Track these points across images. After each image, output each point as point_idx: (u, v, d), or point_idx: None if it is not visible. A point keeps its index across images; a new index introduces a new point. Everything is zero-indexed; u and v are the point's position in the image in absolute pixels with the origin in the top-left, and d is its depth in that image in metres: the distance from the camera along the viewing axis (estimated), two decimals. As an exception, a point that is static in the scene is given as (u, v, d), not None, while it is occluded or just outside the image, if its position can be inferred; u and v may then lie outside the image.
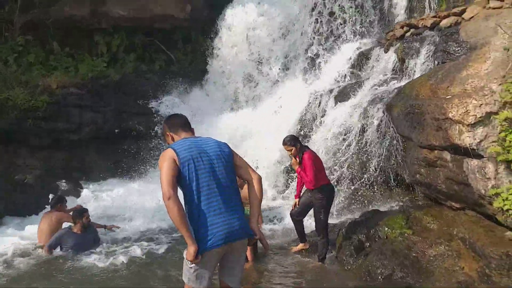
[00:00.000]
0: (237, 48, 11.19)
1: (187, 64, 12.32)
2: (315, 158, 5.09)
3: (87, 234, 5.91)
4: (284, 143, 5.07)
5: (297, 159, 5.03)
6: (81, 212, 5.94)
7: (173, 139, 3.03)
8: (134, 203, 7.92)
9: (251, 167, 3.11)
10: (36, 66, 10.92)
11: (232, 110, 10.89)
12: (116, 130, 10.64)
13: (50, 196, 7.64)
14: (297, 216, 5.42)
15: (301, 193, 5.44)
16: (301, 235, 5.56)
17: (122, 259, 5.46)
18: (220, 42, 11.43)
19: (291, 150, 5.03)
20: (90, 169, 10.35)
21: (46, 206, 7.75)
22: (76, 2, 11.50)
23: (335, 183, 6.35)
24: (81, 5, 11.53)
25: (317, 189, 5.01)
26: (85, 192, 8.78)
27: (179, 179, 2.79)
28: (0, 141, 9.76)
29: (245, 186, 5.35)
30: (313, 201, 5.13)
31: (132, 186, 9.47)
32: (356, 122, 6.27)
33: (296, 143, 5.04)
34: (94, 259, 5.49)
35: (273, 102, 9.52)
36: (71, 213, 6.20)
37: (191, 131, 3.11)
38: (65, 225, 6.21)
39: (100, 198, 8.52)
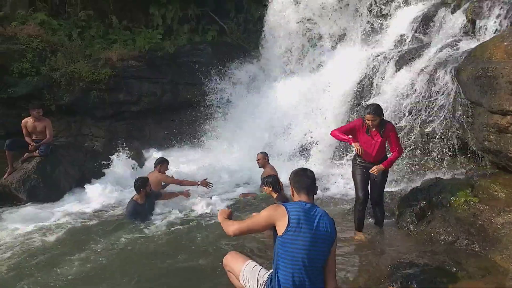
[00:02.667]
0: (288, 14, 10.99)
1: (239, 34, 12.32)
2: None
3: (146, 204, 6.13)
4: (370, 112, 4.59)
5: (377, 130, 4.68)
6: (144, 182, 6.13)
7: (293, 194, 3.22)
8: (192, 171, 8.28)
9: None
10: (97, 39, 11.41)
11: (287, 78, 10.81)
12: (174, 102, 10.97)
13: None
14: (367, 196, 4.93)
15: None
16: (362, 223, 5.03)
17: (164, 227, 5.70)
18: (272, 9, 11.28)
19: (374, 120, 4.60)
20: (150, 139, 10.85)
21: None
22: (131, -25, 11.78)
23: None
24: (137, -22, 11.80)
25: (383, 159, 4.80)
26: (147, 161, 9.22)
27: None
28: (68, 112, 10.48)
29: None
30: (375, 174, 4.77)
31: (190, 154, 9.86)
32: (420, 87, 6.03)
33: (381, 114, 4.64)
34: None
35: (330, 69, 9.31)
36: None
37: (312, 195, 3.19)
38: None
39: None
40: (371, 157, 4.79)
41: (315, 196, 3.25)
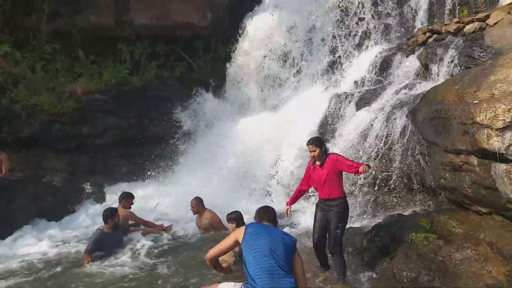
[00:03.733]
0: (255, 55, 11.36)
1: (207, 71, 12.52)
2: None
3: (113, 235, 6.06)
4: (309, 143, 4.77)
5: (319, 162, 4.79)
6: (113, 211, 6.11)
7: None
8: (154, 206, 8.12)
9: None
10: (62, 73, 11.23)
11: (250, 116, 11.00)
12: (139, 136, 10.87)
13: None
14: (321, 240, 4.86)
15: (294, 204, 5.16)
16: (326, 262, 4.99)
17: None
18: (239, 49, 11.62)
19: (315, 151, 4.72)
20: (113, 173, 10.59)
21: (73, 208, 8.08)
22: (100, 11, 11.83)
23: (357, 188, 6.39)
24: (106, 14, 11.86)
25: (340, 199, 4.75)
26: (109, 196, 8.99)
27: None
28: (27, 145, 10.09)
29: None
30: (330, 214, 4.73)
31: (154, 189, 9.67)
32: (378, 127, 6.30)
33: (321, 145, 4.78)
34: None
35: (292, 108, 9.59)
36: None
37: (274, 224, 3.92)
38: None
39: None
40: (323, 194, 4.78)
41: None
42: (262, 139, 9.45)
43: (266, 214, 3.92)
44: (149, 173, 10.37)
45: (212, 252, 3.83)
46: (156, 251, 6.07)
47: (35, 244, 6.58)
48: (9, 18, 11.28)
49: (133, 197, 7.02)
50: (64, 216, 7.83)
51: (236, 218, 5.40)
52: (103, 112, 10.83)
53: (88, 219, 7.79)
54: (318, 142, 4.82)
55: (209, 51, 12.86)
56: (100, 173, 10.47)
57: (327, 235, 4.82)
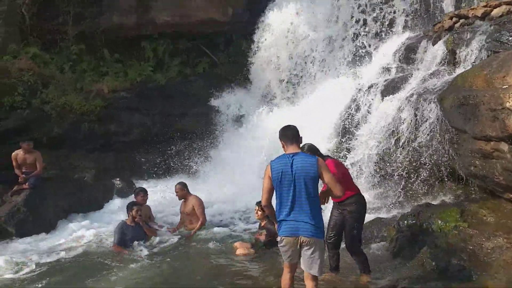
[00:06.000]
0: (278, 47, 11.33)
1: (230, 67, 12.59)
2: (338, 164, 4.78)
3: (133, 228, 6.30)
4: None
5: None
6: (130, 204, 6.47)
7: (283, 146, 3.94)
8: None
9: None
10: (88, 72, 11.57)
11: (274, 109, 10.98)
12: (164, 133, 11.04)
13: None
14: (328, 242, 4.70)
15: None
16: (335, 266, 4.82)
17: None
18: (261, 43, 11.61)
19: None
20: (140, 169, 10.82)
21: (103, 203, 8.36)
22: (123, 12, 12.11)
23: (386, 178, 6.32)
24: (128, 14, 12.13)
25: (352, 197, 4.59)
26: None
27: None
28: (57, 144, 10.43)
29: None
30: (345, 215, 4.65)
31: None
32: (405, 116, 6.20)
33: (314, 153, 4.39)
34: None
35: (316, 99, 9.51)
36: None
37: (297, 144, 3.92)
38: None
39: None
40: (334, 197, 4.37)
41: None
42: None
43: (289, 134, 3.92)
44: (175, 168, 10.56)
45: (263, 199, 3.87)
46: (176, 248, 6.23)
47: (68, 237, 6.86)
48: (36, 22, 11.67)
49: (146, 192, 7.11)
50: (95, 210, 8.09)
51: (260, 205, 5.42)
52: (128, 110, 11.08)
53: (117, 213, 8.00)
54: (311, 150, 4.49)
55: (231, 46, 12.91)
56: (127, 170, 10.69)
57: (344, 235, 4.76)
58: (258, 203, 5.70)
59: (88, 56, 11.93)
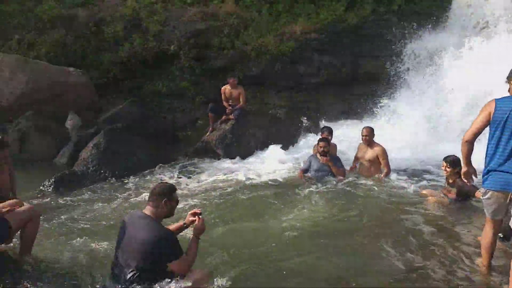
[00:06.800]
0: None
1: (429, 2, 11.26)
2: None
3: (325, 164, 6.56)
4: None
5: None
6: (319, 140, 6.72)
7: (509, 90, 3.46)
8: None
9: None
10: (283, 14, 11.99)
11: (478, 48, 9.45)
12: (353, 75, 10.87)
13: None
14: None
15: None
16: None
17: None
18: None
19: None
20: (326, 111, 11.02)
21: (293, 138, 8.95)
22: None
23: None
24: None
25: None
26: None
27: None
28: (253, 82, 11.41)
29: None
30: None
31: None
32: None
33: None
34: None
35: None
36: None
37: None
38: None
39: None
40: None
41: None
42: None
43: None
44: (361, 112, 10.40)
45: (470, 132, 3.45)
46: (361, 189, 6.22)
47: (262, 163, 7.74)
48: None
49: (330, 130, 7.15)
50: (286, 143, 8.75)
51: (450, 161, 5.25)
52: (318, 51, 11.18)
53: (305, 147, 8.53)
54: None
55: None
56: (314, 110, 11.03)
57: None
58: (446, 159, 5.27)
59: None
